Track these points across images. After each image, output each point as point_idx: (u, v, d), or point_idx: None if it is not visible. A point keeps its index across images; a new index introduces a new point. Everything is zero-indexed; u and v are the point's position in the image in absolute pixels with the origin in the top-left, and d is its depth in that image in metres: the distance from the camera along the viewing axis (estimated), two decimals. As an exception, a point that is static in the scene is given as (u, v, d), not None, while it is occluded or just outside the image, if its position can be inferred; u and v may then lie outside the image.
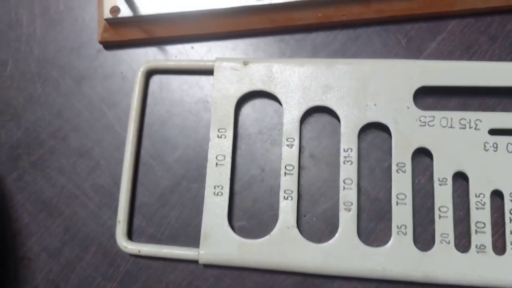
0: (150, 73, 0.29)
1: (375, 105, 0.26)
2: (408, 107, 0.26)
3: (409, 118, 0.25)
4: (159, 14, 0.27)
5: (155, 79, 0.29)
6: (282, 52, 0.28)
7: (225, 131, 0.27)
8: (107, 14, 0.27)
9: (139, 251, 0.26)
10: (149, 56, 0.29)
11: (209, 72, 0.28)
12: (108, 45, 0.29)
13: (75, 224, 0.27)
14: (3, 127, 0.29)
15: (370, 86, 0.26)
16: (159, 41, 0.29)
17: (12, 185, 0.28)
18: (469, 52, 0.27)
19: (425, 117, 0.25)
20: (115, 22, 0.28)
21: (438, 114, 0.25)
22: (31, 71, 0.30)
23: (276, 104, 0.27)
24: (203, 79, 0.28)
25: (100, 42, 0.29)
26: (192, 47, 0.29)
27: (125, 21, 0.28)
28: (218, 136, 0.27)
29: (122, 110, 0.28)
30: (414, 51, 0.27)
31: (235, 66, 0.27)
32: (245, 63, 0.27)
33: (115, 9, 0.28)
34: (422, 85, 0.26)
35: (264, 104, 0.28)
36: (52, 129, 0.29)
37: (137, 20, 0.28)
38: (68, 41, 0.30)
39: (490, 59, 0.27)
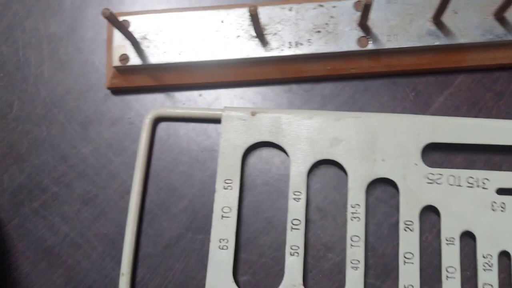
0: (157, 120, 0.29)
1: (383, 160, 0.26)
2: (416, 164, 0.26)
3: (417, 175, 0.25)
4: (168, 63, 0.27)
5: (163, 126, 0.29)
6: (290, 102, 0.28)
7: (232, 182, 0.26)
8: (116, 62, 0.27)
9: (142, 304, 0.25)
10: (157, 102, 0.29)
11: (217, 120, 0.28)
12: (116, 90, 0.29)
13: (77, 275, 0.26)
14: (6, 171, 0.29)
15: (379, 140, 0.26)
16: (168, 88, 0.29)
17: (13, 232, 0.27)
18: (475, 108, 0.27)
19: (433, 174, 0.25)
20: (124, 69, 0.28)
21: (446, 172, 0.25)
22: (37, 113, 0.30)
23: (283, 154, 0.27)
24: (210, 127, 0.28)
25: (109, 88, 0.29)
26: (200, 95, 0.29)
27: (134, 69, 0.28)
28: (224, 188, 0.26)
29: (128, 157, 0.28)
30: (422, 105, 0.28)
31: (243, 116, 0.27)
32: (253, 114, 0.27)
33: (124, 57, 0.28)
34: (430, 141, 0.26)
35: (271, 154, 0.28)
36: (56, 174, 0.28)
37: (146, 68, 0.28)
38: (76, 84, 0.30)
39: (496, 115, 0.27)
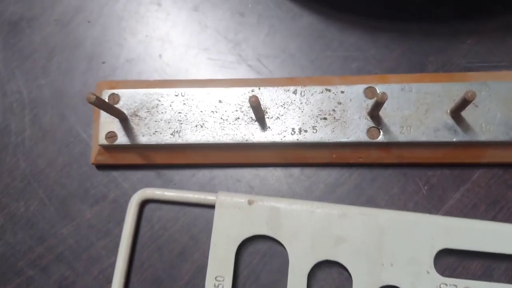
0: (145, 202, 0.26)
1: (391, 265, 0.23)
2: (428, 272, 0.23)
3: (429, 285, 0.23)
4: (158, 144, 0.25)
5: (151, 207, 0.26)
6: (291, 188, 0.26)
7: (223, 280, 0.24)
8: (102, 140, 0.25)
9: None
10: (146, 181, 0.27)
11: (210, 206, 0.25)
12: (102, 166, 0.27)
13: None
14: (-23, 251, 0.26)
15: (387, 242, 0.23)
16: (158, 166, 0.27)
17: (-19, 323, 0.25)
18: (495, 208, 0.25)
19: (446, 285, 0.23)
20: (111, 147, 0.26)
21: (460, 283, 0.23)
22: (15, 186, 0.27)
23: (281, 248, 0.25)
24: (203, 212, 0.26)
25: (93, 164, 0.27)
26: (193, 175, 0.26)
27: (122, 147, 0.26)
28: (214, 285, 0.24)
29: (111, 241, 0.26)
30: (436, 201, 0.25)
31: (239, 204, 0.25)
32: (250, 202, 0.25)
33: (111, 135, 0.25)
34: (444, 247, 0.23)
35: (268, 249, 0.25)
36: (32, 256, 0.26)
37: (135, 147, 0.26)
38: (59, 156, 0.27)
39: (518, 217, 0.25)
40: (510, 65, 0.26)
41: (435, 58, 0.27)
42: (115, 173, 0.27)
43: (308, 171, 0.26)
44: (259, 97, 0.25)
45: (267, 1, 0.29)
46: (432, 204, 0.25)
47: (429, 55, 0.27)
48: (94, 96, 0.21)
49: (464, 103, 0.22)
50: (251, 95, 0.25)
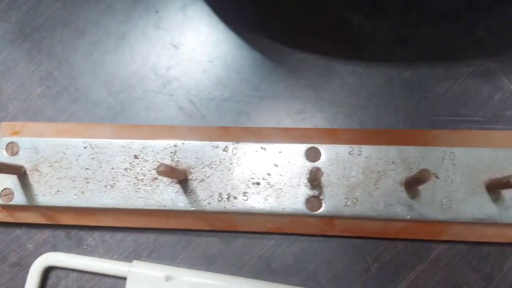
0: (49, 268, 0.22)
1: None
2: None
3: None
4: (63, 206, 0.21)
5: (57, 274, 0.22)
6: (219, 259, 0.22)
7: None
8: (-5, 198, 0.21)
9: None
10: (54, 241, 0.23)
11: (123, 277, 0.22)
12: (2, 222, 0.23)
13: None
14: None
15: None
16: (67, 226, 0.23)
17: None
18: (456, 293, 0.21)
19: None
20: (8, 205, 0.22)
21: None
22: None
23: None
24: (116, 283, 0.22)
25: (-10, 222, 0.23)
26: (111, 237, 0.23)
27: (20, 206, 0.22)
28: None
29: (8, 313, 0.22)
30: (387, 283, 0.21)
31: (154, 280, 0.21)
32: (168, 278, 0.21)
33: (7, 193, 0.21)
34: None
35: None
36: None
37: (36, 206, 0.22)
38: (-45, 207, 0.24)
39: (482, 305, 0.21)
40: (483, 120, 0.22)
41: (398, 107, 0.23)
42: (19, 231, 0.23)
43: (241, 240, 0.22)
44: (182, 154, 0.21)
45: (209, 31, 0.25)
46: (382, 286, 0.21)
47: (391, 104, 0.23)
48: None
49: (418, 181, 0.18)
50: (172, 150, 0.21)
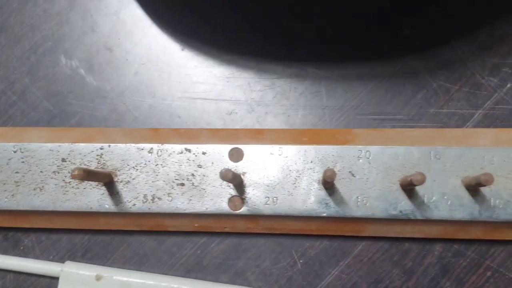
0: (-15, 270, 0.23)
1: None
2: None
3: None
4: (-8, 209, 0.22)
5: (-6, 275, 0.23)
6: (150, 258, 0.23)
7: None
8: None
9: None
10: (-10, 243, 0.23)
11: (56, 277, 0.22)
12: None
13: None
14: None
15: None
16: (3, 228, 0.23)
17: None
18: (377, 287, 0.22)
19: None
20: None
21: None
22: None
23: (136, 326, 0.22)
24: (51, 284, 0.23)
25: None
26: (47, 238, 0.23)
27: (-47, 210, 0.22)
28: None
29: None
30: (312, 278, 0.22)
31: (85, 279, 0.21)
32: (98, 278, 0.22)
33: None
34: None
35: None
36: None
37: (-32, 209, 0.22)
38: None
39: (403, 298, 0.21)
40: (406, 118, 0.23)
41: (325, 107, 0.23)
42: (-47, 232, 0.24)
43: (173, 238, 0.23)
44: (109, 157, 0.21)
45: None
46: (307, 280, 0.22)
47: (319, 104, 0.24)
48: None
49: (326, 182, 0.18)
50: (98, 153, 0.21)
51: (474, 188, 0.19)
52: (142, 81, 0.24)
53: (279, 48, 0.24)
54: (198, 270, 0.22)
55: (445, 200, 0.20)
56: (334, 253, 0.22)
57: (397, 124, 0.23)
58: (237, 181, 0.20)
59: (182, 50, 0.25)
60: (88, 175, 0.19)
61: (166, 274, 0.22)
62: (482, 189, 0.20)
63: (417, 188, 0.20)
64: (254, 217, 0.21)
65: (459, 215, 0.20)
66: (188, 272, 0.22)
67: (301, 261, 0.22)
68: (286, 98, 0.24)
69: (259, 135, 0.22)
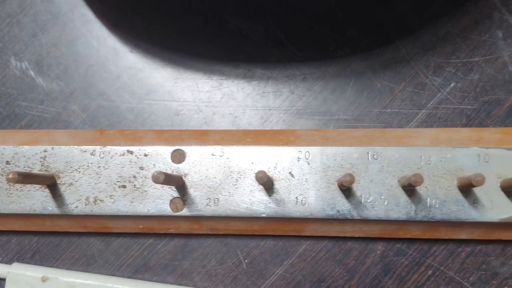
0: None
1: None
2: None
3: None
4: None
5: None
6: (97, 259, 0.23)
7: None
8: None
9: None
10: None
11: (2, 278, 0.22)
12: None
13: None
14: None
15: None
16: (-48, 231, 0.23)
17: None
18: (320, 286, 0.22)
19: None
20: None
21: None
22: None
23: (83, 327, 0.22)
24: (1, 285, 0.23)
25: None
26: (-7, 240, 0.23)
27: None
28: None
29: None
30: (256, 277, 0.22)
31: (31, 281, 0.22)
32: (44, 279, 0.22)
33: None
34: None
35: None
36: None
37: None
38: None
39: (346, 297, 0.22)
40: (351, 118, 0.23)
41: (271, 108, 0.24)
42: None
43: (120, 240, 0.23)
44: (52, 159, 0.21)
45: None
46: (252, 280, 0.22)
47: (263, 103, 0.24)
48: None
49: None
50: (42, 155, 0.21)
51: (408, 188, 0.20)
52: (91, 82, 0.24)
53: (227, 49, 0.24)
54: (144, 271, 0.23)
55: (382, 200, 0.20)
56: (278, 253, 0.22)
57: (342, 124, 0.23)
58: (176, 183, 0.20)
59: (131, 51, 0.25)
60: (24, 178, 0.19)
61: (113, 275, 0.23)
62: (419, 189, 0.20)
63: (354, 188, 0.20)
64: (196, 218, 0.21)
65: (395, 214, 0.20)
66: (135, 273, 0.23)
67: (246, 261, 0.22)
68: (233, 99, 0.24)
69: (203, 136, 0.22)
